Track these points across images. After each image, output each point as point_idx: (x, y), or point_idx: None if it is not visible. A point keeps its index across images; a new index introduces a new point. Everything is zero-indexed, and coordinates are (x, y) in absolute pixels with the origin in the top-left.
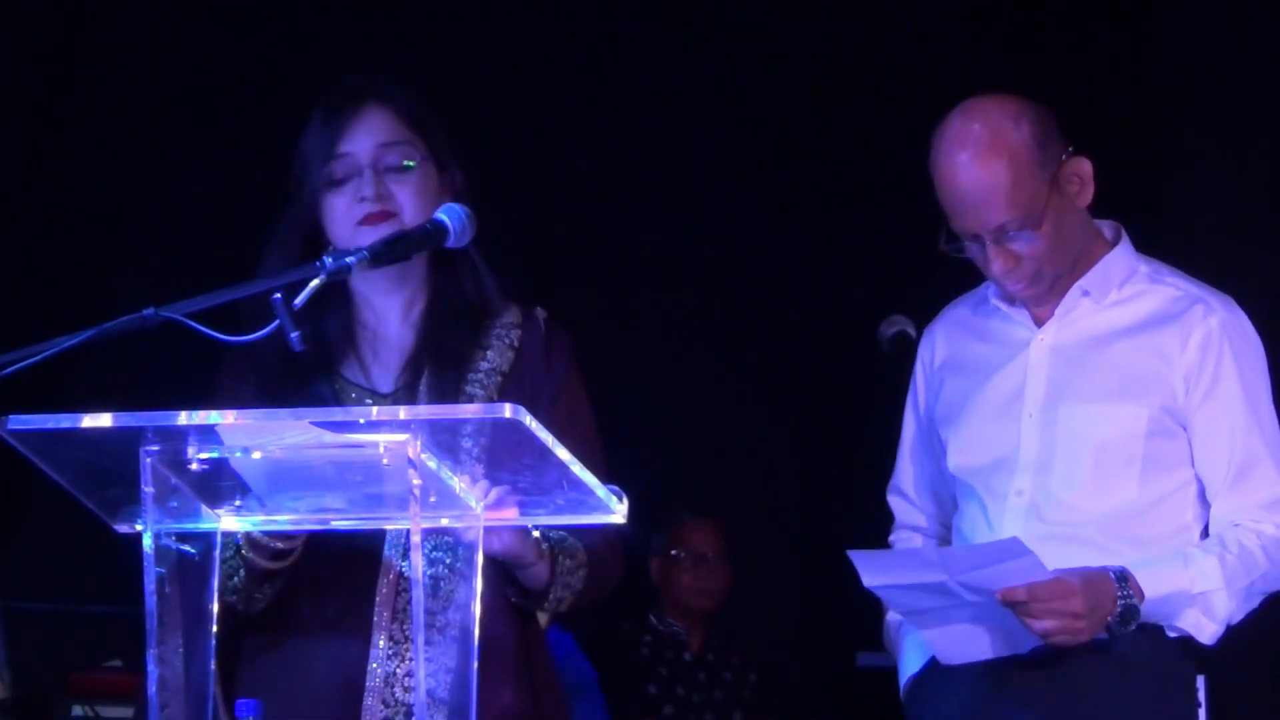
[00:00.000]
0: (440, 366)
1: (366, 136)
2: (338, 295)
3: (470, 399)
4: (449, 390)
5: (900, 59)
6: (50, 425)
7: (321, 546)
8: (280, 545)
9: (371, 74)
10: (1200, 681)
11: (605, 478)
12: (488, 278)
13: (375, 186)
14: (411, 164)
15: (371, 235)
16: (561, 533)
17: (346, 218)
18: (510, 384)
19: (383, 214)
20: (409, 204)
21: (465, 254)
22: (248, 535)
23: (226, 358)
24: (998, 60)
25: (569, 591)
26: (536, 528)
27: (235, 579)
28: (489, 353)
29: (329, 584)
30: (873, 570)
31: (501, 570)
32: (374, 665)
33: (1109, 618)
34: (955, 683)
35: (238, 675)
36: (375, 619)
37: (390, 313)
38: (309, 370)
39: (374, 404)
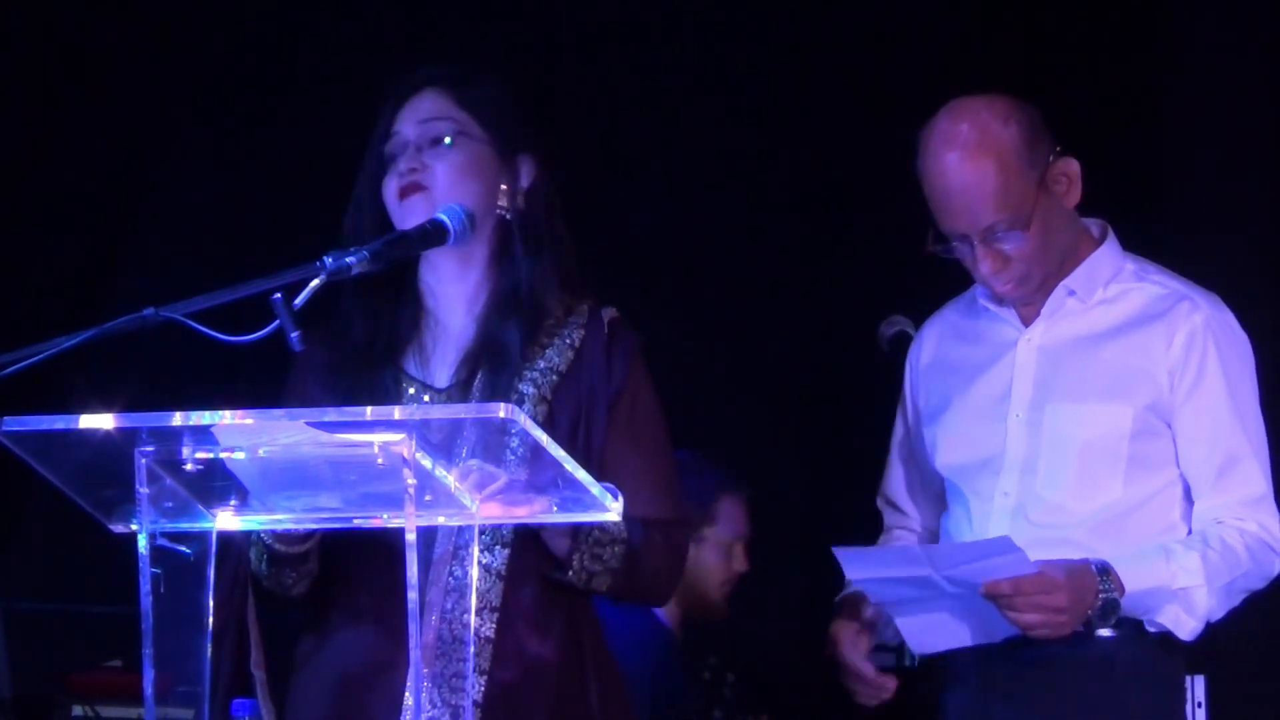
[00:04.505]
0: (494, 364)
1: (415, 116)
2: (408, 284)
3: (522, 397)
4: (501, 388)
5: (901, 58)
6: (45, 426)
7: (371, 548)
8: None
9: (442, 63)
10: (1200, 682)
11: (666, 485)
12: (550, 275)
13: (411, 162)
14: (449, 138)
15: (409, 210)
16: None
17: (391, 193)
18: (566, 384)
19: (414, 186)
20: (443, 177)
21: (529, 249)
22: None
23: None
24: (998, 60)
25: (600, 565)
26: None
27: (262, 564)
28: (548, 351)
29: (378, 585)
30: (857, 566)
31: (536, 539)
32: (424, 667)
33: (1089, 611)
34: (942, 682)
35: (291, 680)
36: (425, 620)
37: (454, 305)
38: (377, 359)
39: (428, 398)
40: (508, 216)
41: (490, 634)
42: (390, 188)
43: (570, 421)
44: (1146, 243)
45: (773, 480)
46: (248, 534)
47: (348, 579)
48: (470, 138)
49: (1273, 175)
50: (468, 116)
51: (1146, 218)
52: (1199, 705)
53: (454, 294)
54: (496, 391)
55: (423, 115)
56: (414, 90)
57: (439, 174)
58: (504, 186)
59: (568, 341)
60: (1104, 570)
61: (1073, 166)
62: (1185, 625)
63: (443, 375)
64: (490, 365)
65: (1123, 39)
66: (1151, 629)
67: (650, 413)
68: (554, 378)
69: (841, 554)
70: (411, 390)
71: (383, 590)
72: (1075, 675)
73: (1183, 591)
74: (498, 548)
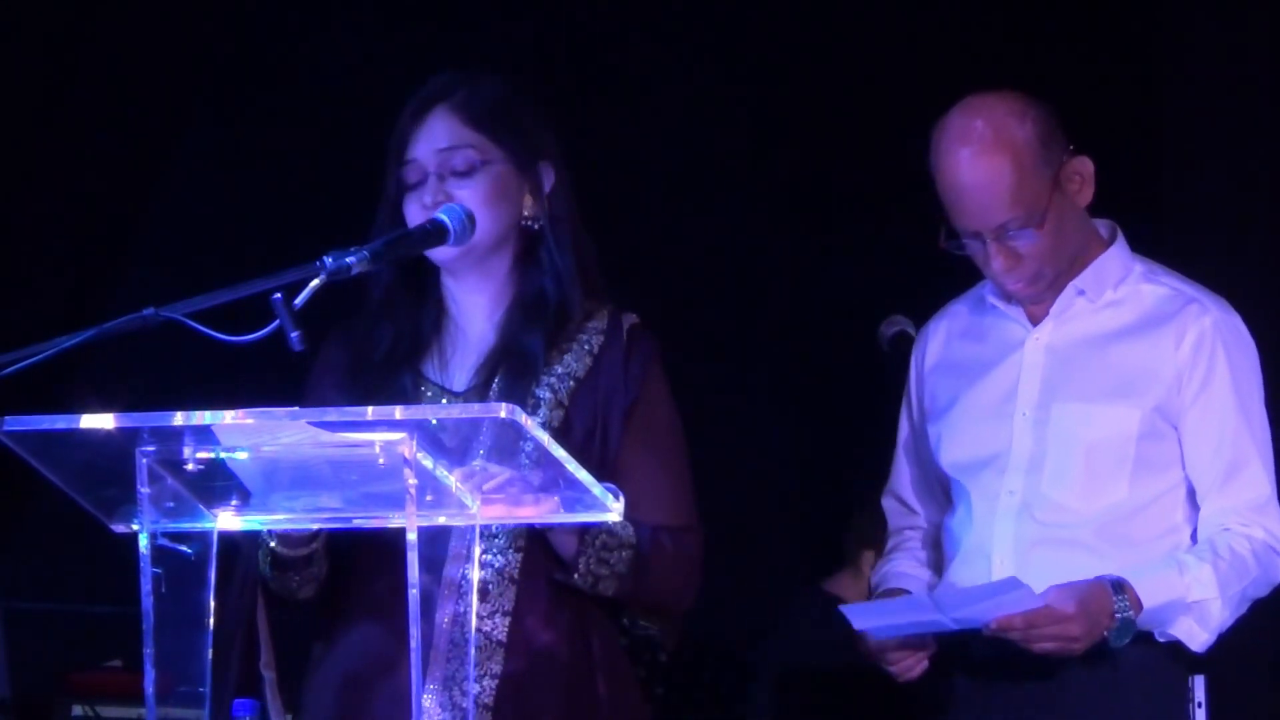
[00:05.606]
0: (512, 369)
1: (430, 142)
2: (432, 289)
3: (539, 402)
4: (518, 393)
5: (901, 58)
6: (46, 426)
7: (380, 549)
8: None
9: (451, 74)
10: (1200, 682)
11: (679, 492)
12: (572, 281)
13: (435, 194)
14: (468, 166)
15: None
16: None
17: (417, 223)
18: (583, 390)
19: None
20: (472, 207)
21: (550, 256)
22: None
23: (318, 352)
24: (999, 59)
25: (607, 569)
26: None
27: (267, 567)
28: (567, 357)
29: (387, 586)
30: (864, 619)
31: (545, 540)
32: (434, 668)
33: (1105, 632)
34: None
35: (306, 681)
36: (436, 621)
37: (475, 310)
38: (398, 362)
39: (446, 401)
40: (534, 226)
41: (502, 637)
42: (416, 219)
43: (586, 427)
44: (1147, 243)
45: (773, 481)
46: (256, 537)
47: (358, 580)
48: (490, 162)
49: (1273, 176)
50: (483, 139)
51: (1146, 218)
52: (1199, 705)
53: (475, 300)
54: (514, 396)
55: (438, 143)
56: (426, 109)
57: (469, 204)
58: (528, 197)
59: (586, 348)
60: (1119, 588)
61: (1086, 165)
62: (1198, 638)
63: (461, 379)
64: (509, 370)
65: (1123, 39)
66: (1162, 640)
67: (666, 420)
68: (571, 383)
69: (849, 611)
70: (429, 394)
71: (391, 591)
72: (1078, 678)
73: (1197, 604)
74: (510, 551)
